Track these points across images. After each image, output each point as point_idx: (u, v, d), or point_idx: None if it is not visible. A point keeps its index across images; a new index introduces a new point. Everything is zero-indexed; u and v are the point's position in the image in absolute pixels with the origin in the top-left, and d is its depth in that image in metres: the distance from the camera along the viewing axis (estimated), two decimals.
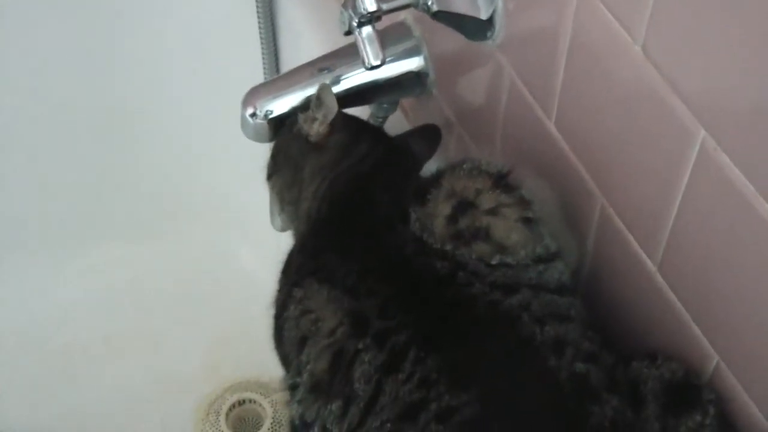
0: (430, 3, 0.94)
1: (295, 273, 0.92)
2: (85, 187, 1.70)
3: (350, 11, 0.91)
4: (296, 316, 0.87)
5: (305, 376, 0.85)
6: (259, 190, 1.38)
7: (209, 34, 1.55)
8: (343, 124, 1.00)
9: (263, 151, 1.31)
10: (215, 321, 1.68)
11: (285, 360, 0.91)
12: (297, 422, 0.87)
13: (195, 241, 1.74)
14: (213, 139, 1.65)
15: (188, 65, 1.60)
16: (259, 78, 1.43)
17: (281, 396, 1.57)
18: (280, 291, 0.94)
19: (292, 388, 0.87)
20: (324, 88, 0.98)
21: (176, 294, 1.71)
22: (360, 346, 0.82)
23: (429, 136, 1.07)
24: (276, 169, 1.06)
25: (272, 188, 1.07)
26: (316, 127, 0.99)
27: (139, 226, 1.73)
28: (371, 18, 0.92)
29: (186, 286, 1.72)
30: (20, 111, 1.60)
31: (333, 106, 0.98)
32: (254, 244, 1.68)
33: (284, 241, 1.28)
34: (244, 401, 1.59)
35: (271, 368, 1.57)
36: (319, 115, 0.99)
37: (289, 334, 0.88)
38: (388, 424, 0.80)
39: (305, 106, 1.03)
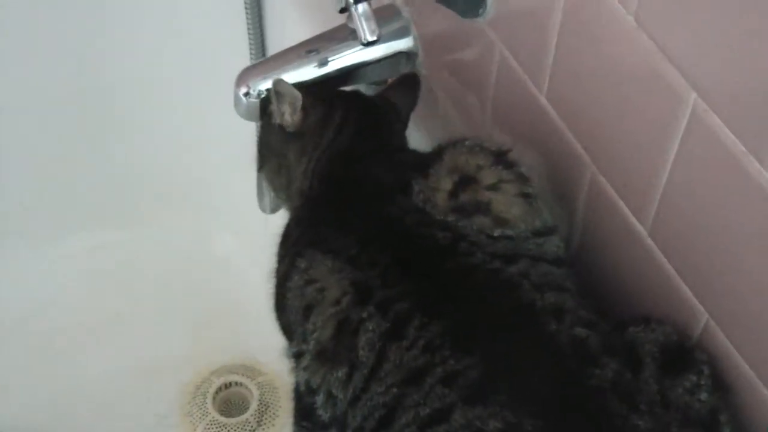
0: None
1: (294, 244, 0.94)
2: (68, 173, 1.70)
3: None
4: (300, 285, 0.89)
5: (311, 343, 0.86)
6: (242, 176, 1.39)
7: (195, 19, 1.56)
8: (314, 103, 1.01)
9: (245, 138, 1.33)
10: (199, 306, 1.69)
11: (287, 329, 0.93)
12: (303, 388, 0.89)
13: (178, 227, 1.74)
14: (196, 126, 1.66)
15: (172, 50, 1.61)
16: (244, 63, 1.44)
17: (271, 378, 1.61)
18: (280, 262, 0.96)
19: (298, 355, 0.89)
20: (278, 82, 0.99)
21: (160, 279, 1.72)
22: (364, 314, 0.84)
23: (408, 84, 1.08)
24: (264, 161, 1.08)
25: (264, 178, 1.09)
26: (288, 118, 1.01)
27: (123, 212, 1.74)
28: None
29: (170, 272, 1.72)
30: (2, 98, 1.60)
31: (296, 95, 0.99)
32: (237, 230, 1.70)
33: (267, 227, 1.30)
34: (230, 384, 1.60)
35: (257, 352, 1.61)
36: (286, 107, 1.00)
37: (293, 303, 0.90)
38: (394, 389, 0.82)
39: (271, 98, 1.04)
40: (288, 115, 1.00)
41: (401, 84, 1.08)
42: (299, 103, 0.99)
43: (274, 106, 1.01)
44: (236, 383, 1.61)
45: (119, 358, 1.62)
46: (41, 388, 1.59)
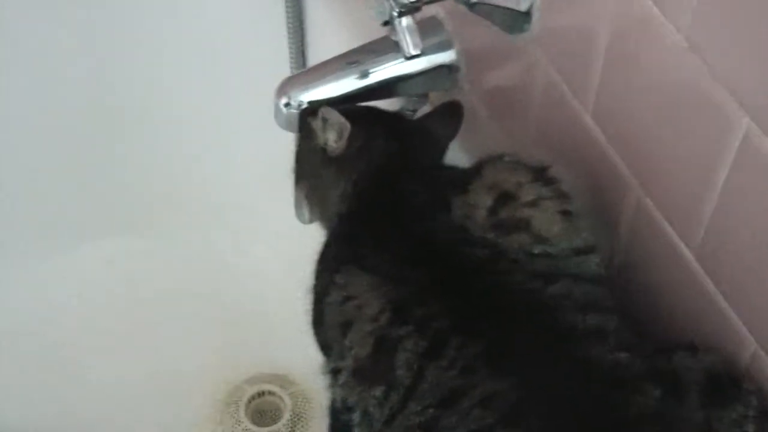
0: None
1: (335, 260, 0.94)
2: (81, 184, 1.69)
3: (391, 1, 0.92)
4: (339, 301, 0.88)
5: (349, 360, 0.86)
6: (274, 185, 1.39)
7: (231, 28, 1.54)
8: (358, 131, 1.00)
9: (278, 146, 1.33)
10: (232, 315, 1.68)
11: (324, 345, 0.92)
12: (339, 406, 0.88)
13: (211, 236, 1.73)
14: (214, 136, 1.65)
15: (198, 61, 1.60)
16: (283, 71, 1.43)
17: (303, 388, 1.60)
18: (318, 278, 0.95)
19: (335, 372, 0.88)
20: (326, 110, 0.99)
21: (188, 287, 1.70)
22: (402, 332, 0.83)
23: (451, 113, 1.07)
24: (301, 176, 1.07)
25: (301, 191, 1.09)
26: (332, 144, 1.00)
27: (137, 221, 1.72)
28: (411, 8, 0.93)
29: (202, 280, 1.71)
30: (13, 109, 1.59)
31: (343, 123, 0.99)
32: (269, 238, 1.69)
33: (295, 235, 1.29)
34: (263, 393, 1.60)
35: (290, 362, 1.60)
36: (331, 134, 1.00)
37: (331, 319, 0.89)
38: (430, 410, 0.81)
39: (315, 111, 1.04)
40: (332, 141, 0.99)
41: (444, 111, 1.07)
42: (346, 133, 0.98)
43: (318, 131, 1.00)
44: (269, 392, 1.60)
45: (150, 366, 1.62)
46: (60, 397, 1.58)
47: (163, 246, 1.73)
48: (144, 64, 1.61)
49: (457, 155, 1.11)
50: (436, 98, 1.23)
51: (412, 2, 0.92)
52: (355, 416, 0.86)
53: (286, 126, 1.11)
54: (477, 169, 0.92)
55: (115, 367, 1.62)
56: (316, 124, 1.01)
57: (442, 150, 1.06)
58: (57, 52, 1.56)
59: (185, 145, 1.68)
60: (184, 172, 1.70)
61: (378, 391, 0.84)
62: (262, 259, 1.72)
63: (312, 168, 1.05)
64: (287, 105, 1.09)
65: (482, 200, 0.89)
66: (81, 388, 1.59)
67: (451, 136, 1.06)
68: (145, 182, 1.71)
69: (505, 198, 0.89)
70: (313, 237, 1.04)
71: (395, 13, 0.93)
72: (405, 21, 0.93)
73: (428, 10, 1.11)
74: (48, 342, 1.64)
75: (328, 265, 0.94)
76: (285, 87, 1.10)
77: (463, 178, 0.92)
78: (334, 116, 0.98)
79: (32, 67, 1.56)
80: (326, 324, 0.90)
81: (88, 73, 1.59)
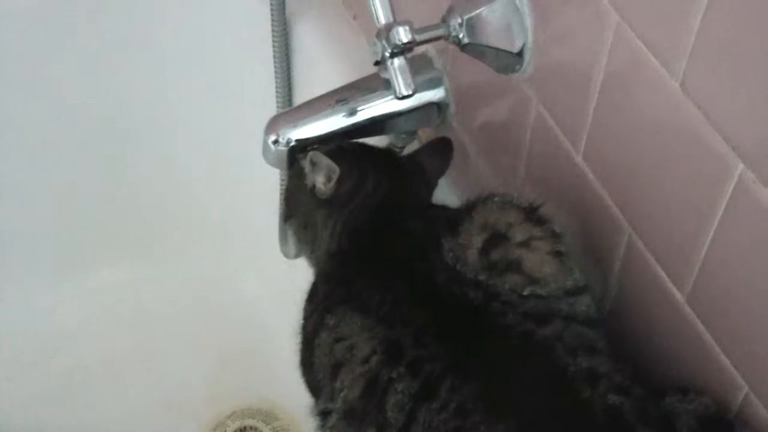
0: (461, 36, 0.95)
1: (324, 300, 0.93)
2: (87, 209, 1.68)
3: (384, 42, 0.93)
4: (329, 342, 0.87)
5: (339, 402, 0.85)
6: (262, 214, 1.39)
7: (222, 60, 1.55)
8: (347, 172, 0.99)
9: (267, 176, 1.33)
10: (217, 346, 1.67)
11: (313, 386, 0.92)
12: None
13: (197, 265, 1.72)
14: (217, 163, 1.65)
15: (196, 87, 1.60)
16: (269, 102, 1.43)
17: (287, 423, 1.58)
18: (307, 318, 0.94)
19: (324, 414, 0.87)
20: (315, 154, 0.99)
21: (178, 317, 1.69)
22: (394, 374, 0.82)
23: (440, 150, 1.07)
24: (290, 213, 1.07)
25: (290, 228, 1.09)
26: (321, 187, 1.00)
27: (142, 248, 1.72)
28: (404, 49, 0.93)
29: (188, 310, 1.70)
30: (18, 136, 1.59)
31: (333, 167, 0.98)
32: (257, 269, 1.68)
33: (286, 267, 1.29)
34: (245, 428, 1.58)
35: (275, 396, 1.59)
36: (321, 177, 0.99)
37: (320, 360, 0.88)
38: None
39: (309, 146, 1.04)
40: (321, 184, 0.99)
41: (433, 148, 1.07)
42: (336, 176, 0.98)
43: (308, 173, 1.00)
44: (251, 428, 1.58)
45: (136, 397, 1.60)
46: (56, 423, 1.57)
47: (155, 277, 1.72)
48: (147, 96, 1.61)
49: (446, 193, 1.11)
50: (425, 135, 1.23)
51: (404, 43, 0.92)
52: None
53: (275, 163, 1.11)
54: (467, 209, 0.92)
55: (104, 398, 1.60)
56: (306, 165, 1.00)
57: (432, 187, 1.05)
58: (60, 83, 1.57)
59: (189, 175, 1.68)
60: (182, 204, 1.70)
61: None
62: (254, 293, 1.71)
63: (301, 207, 1.04)
64: (275, 142, 1.09)
65: (473, 241, 0.89)
66: (70, 420, 1.58)
67: (440, 173, 1.06)
68: (145, 212, 1.71)
69: (496, 239, 0.88)
70: (306, 271, 1.04)
71: (387, 54, 0.93)
72: (397, 62, 0.93)
73: (418, 48, 1.11)
74: (41, 367, 1.64)
75: (318, 306, 0.93)
76: (273, 124, 1.09)
77: (453, 219, 0.92)
78: (323, 160, 0.98)
79: (37, 93, 1.57)
80: (316, 365, 0.89)
81: (95, 100, 1.60)
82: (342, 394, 0.85)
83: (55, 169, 1.64)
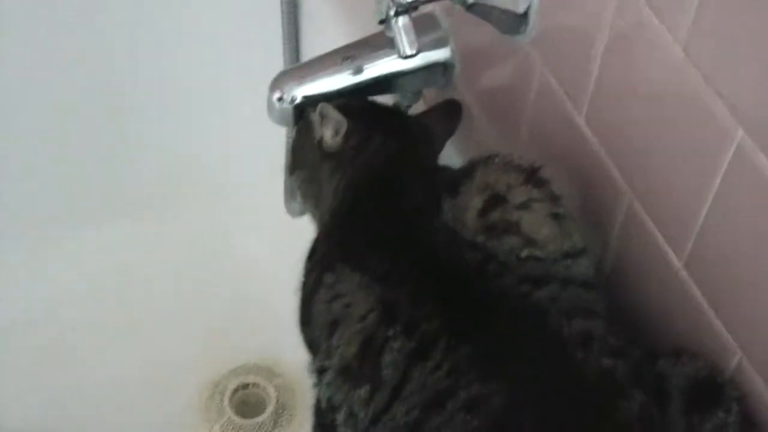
0: None
1: (324, 258, 0.93)
2: (79, 170, 1.68)
3: (388, 0, 0.92)
4: (327, 300, 0.88)
5: (335, 359, 0.86)
6: (260, 174, 1.38)
7: (227, 18, 1.55)
8: (355, 127, 1.00)
9: (275, 137, 1.33)
10: (217, 304, 1.68)
11: (312, 344, 0.92)
12: (324, 405, 0.88)
13: (196, 223, 1.72)
14: (215, 123, 1.65)
15: (199, 43, 1.59)
16: (276, 59, 1.43)
17: (288, 380, 1.60)
18: (307, 276, 0.95)
19: (321, 371, 0.88)
20: (324, 106, 0.99)
21: (176, 276, 1.70)
22: (390, 333, 0.83)
23: (450, 112, 1.07)
24: (295, 167, 1.07)
25: (294, 182, 1.09)
26: (329, 140, 1.00)
27: (141, 206, 1.71)
28: (408, 8, 0.92)
29: (186, 268, 1.71)
30: (11, 99, 1.58)
31: (341, 120, 0.99)
32: (257, 226, 1.68)
33: (286, 226, 1.29)
34: (247, 385, 1.60)
35: (275, 353, 1.60)
36: (329, 130, 0.99)
37: (318, 318, 0.89)
38: (415, 411, 0.81)
39: (317, 102, 1.04)
40: (329, 137, 0.99)
41: (443, 109, 1.07)
42: (344, 129, 0.98)
43: (316, 126, 1.00)
44: (253, 384, 1.60)
45: (134, 357, 1.61)
46: (54, 388, 1.57)
47: (154, 234, 1.72)
48: (143, 55, 1.60)
49: (450, 154, 1.11)
50: (430, 95, 1.22)
51: (409, 2, 0.91)
52: (340, 416, 0.86)
53: (280, 120, 1.11)
54: (468, 171, 0.92)
55: (104, 357, 1.61)
56: (314, 117, 1.00)
57: (439, 148, 1.05)
58: (56, 42, 1.56)
59: (182, 134, 1.68)
60: (180, 162, 1.70)
61: (363, 391, 0.84)
62: (253, 250, 1.72)
63: (307, 160, 1.04)
64: (280, 99, 1.08)
65: (473, 202, 0.89)
66: (70, 379, 1.58)
67: (448, 135, 1.06)
68: (142, 170, 1.71)
69: (495, 200, 0.88)
70: (305, 229, 1.04)
71: (392, 12, 0.92)
72: (402, 20, 0.93)
73: (424, 7, 1.11)
74: (39, 332, 1.63)
75: (318, 264, 0.94)
76: (279, 82, 1.09)
77: (454, 180, 0.92)
78: (332, 113, 0.98)
79: (31, 56, 1.56)
80: (314, 323, 0.90)
81: (87, 62, 1.59)
82: (338, 351, 0.85)
83: (43, 130, 1.63)
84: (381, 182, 0.98)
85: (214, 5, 1.55)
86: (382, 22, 0.95)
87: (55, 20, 1.54)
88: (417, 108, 1.19)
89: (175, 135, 1.68)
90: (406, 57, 0.94)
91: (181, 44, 1.59)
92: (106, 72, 1.61)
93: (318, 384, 0.89)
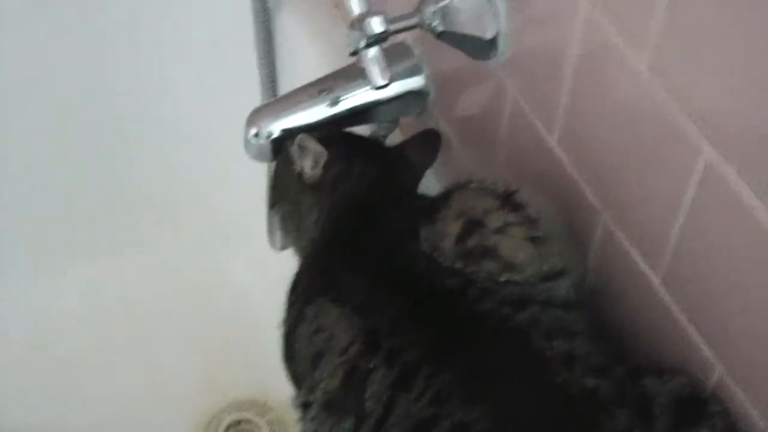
0: (435, 24, 0.95)
1: (305, 291, 0.93)
2: (80, 201, 1.69)
3: (358, 32, 0.93)
4: (309, 334, 0.88)
5: (319, 393, 0.86)
6: (254, 205, 1.39)
7: (205, 52, 1.56)
8: (336, 158, 1.00)
9: (257, 167, 1.33)
10: (210, 338, 1.67)
11: (296, 378, 0.92)
12: None
13: (189, 257, 1.73)
14: (208, 155, 1.66)
15: (181, 80, 1.60)
16: (255, 94, 1.44)
17: (281, 414, 1.59)
18: (289, 309, 0.95)
19: (305, 405, 0.88)
20: (303, 138, 0.99)
21: (170, 310, 1.70)
22: (372, 364, 0.83)
23: (428, 142, 1.08)
24: (276, 201, 1.08)
25: (275, 215, 1.09)
26: (308, 171, 1.00)
27: (133, 240, 1.72)
28: (378, 39, 0.93)
29: (180, 302, 1.71)
30: (10, 127, 1.59)
31: (320, 151, 0.99)
32: (249, 260, 1.69)
33: (278, 258, 1.30)
34: (240, 421, 1.59)
35: (268, 387, 1.60)
36: (308, 161, 1.00)
37: (301, 352, 0.89)
38: None
39: (295, 134, 1.04)
40: (309, 168, 1.00)
41: (421, 139, 1.07)
42: (323, 160, 0.99)
43: (295, 158, 1.00)
44: (246, 421, 1.59)
45: (128, 390, 1.61)
46: (49, 419, 1.57)
47: (146, 269, 1.73)
48: (132, 89, 1.62)
49: (427, 178, 1.11)
50: (407, 122, 1.23)
51: (378, 33, 0.92)
52: None
53: (257, 156, 1.11)
54: (444, 198, 0.92)
55: (95, 394, 1.61)
56: (294, 150, 1.01)
57: (418, 178, 1.06)
58: (46, 76, 1.58)
59: (179, 166, 1.69)
60: (172, 195, 1.71)
61: (348, 424, 0.83)
62: (245, 284, 1.72)
63: (288, 193, 1.05)
64: (257, 135, 1.09)
65: (450, 229, 0.89)
66: (59, 418, 1.58)
67: (427, 165, 1.07)
68: (134, 203, 1.72)
69: (472, 226, 0.89)
70: (295, 262, 1.04)
71: (362, 44, 0.93)
72: (372, 51, 0.93)
73: (397, 37, 1.12)
74: (31, 368, 1.64)
75: (300, 297, 0.94)
76: (254, 117, 1.10)
77: (431, 207, 0.92)
78: (311, 144, 0.99)
79: (28, 86, 1.58)
80: (297, 356, 0.90)
81: (78, 97, 1.60)
82: (322, 385, 0.85)
83: (48, 163, 1.65)
84: (360, 212, 0.98)
85: (193, 45, 1.57)
86: (353, 54, 0.96)
87: (47, 54, 1.56)
88: (394, 136, 1.20)
89: (168, 170, 1.70)
90: (378, 87, 0.94)
91: (166, 82, 1.61)
92: (96, 109, 1.62)
93: (303, 419, 0.89)
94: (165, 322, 1.69)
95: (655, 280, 0.85)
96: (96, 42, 1.57)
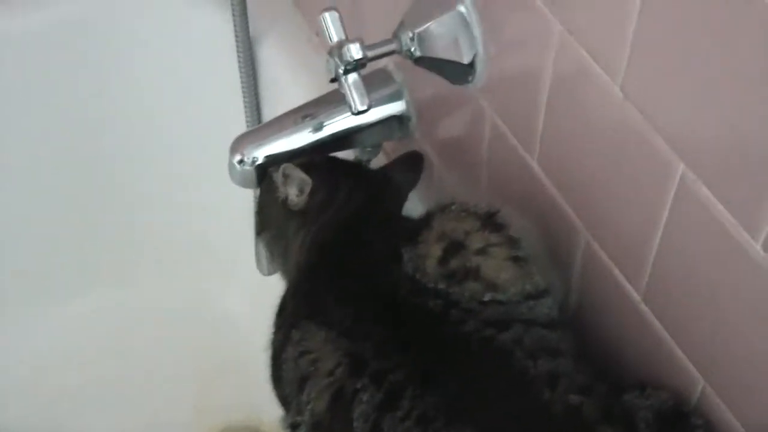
0: (413, 49, 0.97)
1: (291, 315, 0.94)
2: (69, 236, 1.69)
3: (336, 59, 0.94)
4: (295, 357, 0.89)
5: (307, 415, 0.86)
6: (242, 234, 1.40)
7: (192, 85, 1.57)
8: (320, 184, 1.01)
9: (246, 197, 1.34)
10: (202, 365, 1.68)
11: (284, 400, 0.93)
12: None
13: (178, 286, 1.73)
14: (197, 186, 1.67)
15: (166, 111, 1.61)
16: (241, 126, 1.45)
17: None
18: (276, 333, 0.96)
19: (293, 427, 0.89)
20: (287, 167, 1.00)
21: (160, 339, 1.70)
22: (358, 385, 0.84)
23: (411, 163, 1.09)
24: (262, 227, 1.09)
25: (262, 241, 1.10)
26: (294, 199, 1.01)
27: (122, 271, 1.73)
28: (357, 65, 0.94)
29: (170, 331, 1.70)
30: (7, 157, 1.60)
31: (305, 180, 1.00)
32: (238, 285, 1.69)
33: (267, 284, 1.30)
34: None
35: (260, 411, 1.60)
36: (293, 189, 1.01)
37: (287, 374, 0.90)
38: None
39: (280, 160, 1.06)
40: (294, 196, 1.01)
41: (405, 161, 1.09)
42: (308, 188, 1.00)
43: (279, 186, 1.01)
44: None
45: (124, 419, 1.60)
46: None
47: (137, 301, 1.73)
48: (117, 121, 1.63)
49: (414, 203, 1.13)
50: (390, 147, 1.25)
51: (357, 59, 0.94)
52: None
53: (241, 182, 1.13)
54: (426, 220, 0.93)
55: (92, 424, 1.61)
56: (278, 178, 1.02)
57: (402, 200, 1.07)
58: (41, 111, 1.59)
59: (166, 197, 1.70)
60: (166, 226, 1.72)
61: None
62: (235, 310, 1.72)
63: (273, 219, 1.06)
64: (241, 162, 1.10)
65: (432, 251, 0.90)
66: None
67: (410, 187, 1.08)
68: (123, 239, 1.73)
69: (454, 247, 0.90)
70: (282, 288, 1.05)
71: (341, 71, 0.94)
72: (351, 78, 0.95)
73: (377, 62, 1.13)
74: (28, 400, 1.63)
75: (286, 321, 0.95)
76: (238, 144, 1.11)
77: (413, 229, 0.93)
78: (296, 173, 1.00)
79: (19, 123, 1.59)
80: (284, 379, 0.91)
81: (73, 134, 1.62)
82: (309, 407, 0.86)
83: (35, 198, 1.65)
84: (345, 236, 0.99)
85: (177, 75, 1.58)
86: (333, 80, 0.97)
87: (46, 98, 1.57)
88: (377, 161, 1.21)
89: (155, 201, 1.70)
90: (358, 113, 0.96)
91: (151, 113, 1.62)
92: (83, 141, 1.63)
93: None
94: (155, 352, 1.69)
95: (637, 297, 0.86)
96: (83, 76, 1.58)
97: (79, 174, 1.66)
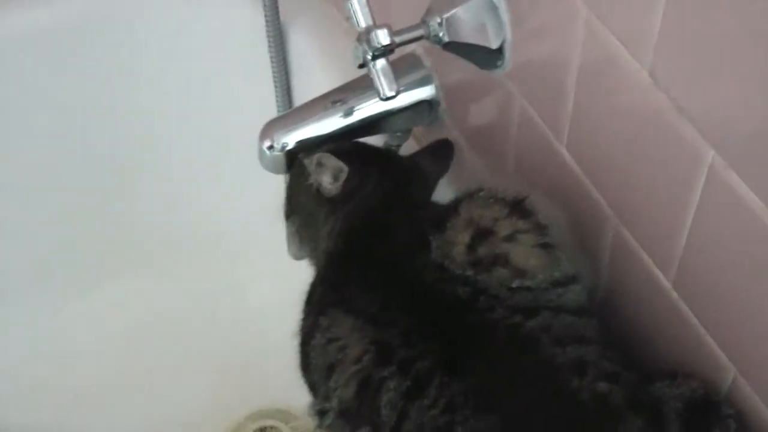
0: (441, 34, 0.96)
1: (319, 302, 0.95)
2: (87, 228, 1.69)
3: (365, 45, 0.94)
4: (323, 344, 0.89)
5: (334, 402, 0.87)
6: (265, 224, 1.39)
7: (219, 69, 1.57)
8: (353, 172, 1.01)
9: (270, 187, 1.34)
10: (230, 352, 1.67)
11: (312, 386, 0.94)
12: None
13: (203, 275, 1.73)
14: (218, 173, 1.67)
15: (195, 98, 1.61)
16: (270, 109, 1.45)
17: (305, 422, 1.60)
18: (304, 320, 0.96)
19: (321, 413, 0.89)
20: (322, 156, 1.00)
21: (187, 328, 1.70)
22: (385, 373, 0.84)
23: (441, 152, 1.09)
24: (292, 211, 1.09)
25: (291, 227, 1.10)
26: (327, 186, 1.01)
27: (146, 263, 1.73)
28: (385, 51, 0.94)
29: (197, 319, 1.70)
30: (15, 156, 1.60)
31: (341, 167, 1.00)
32: (263, 274, 1.68)
33: (294, 272, 1.31)
34: (265, 428, 1.60)
35: (290, 396, 1.60)
36: (327, 178, 1.01)
37: (316, 361, 0.90)
38: None
39: (309, 145, 1.05)
40: (327, 183, 1.01)
41: (435, 149, 1.09)
42: (344, 175, 1.00)
43: (312, 172, 1.01)
44: (271, 427, 1.61)
45: (150, 410, 1.61)
46: None
47: (164, 288, 1.73)
48: (145, 109, 1.62)
49: (443, 188, 1.12)
50: (419, 132, 1.24)
51: (385, 45, 0.93)
52: None
53: (271, 168, 1.13)
54: (454, 207, 0.93)
55: (120, 413, 1.61)
56: (310, 165, 1.01)
57: (432, 187, 1.07)
58: (59, 96, 1.58)
59: (189, 187, 1.70)
60: (180, 214, 1.71)
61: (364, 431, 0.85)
62: (263, 296, 1.72)
63: (303, 205, 1.06)
64: (271, 147, 1.11)
65: (460, 238, 0.90)
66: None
67: (440, 174, 1.08)
68: (143, 226, 1.72)
69: (482, 234, 0.89)
70: (310, 274, 1.05)
71: (369, 57, 0.94)
72: (379, 63, 0.94)
73: (407, 47, 1.13)
74: (51, 391, 1.64)
75: (314, 308, 0.95)
76: (268, 130, 1.11)
77: (441, 216, 0.93)
78: (331, 160, 1.00)
79: (21, 123, 1.58)
80: (312, 366, 0.91)
81: (93, 113, 1.61)
82: (337, 394, 0.87)
83: (55, 188, 1.65)
84: (373, 223, 0.99)
85: (207, 64, 1.58)
86: (361, 66, 0.97)
87: (56, 74, 1.56)
88: (407, 146, 1.21)
89: (179, 190, 1.70)
90: (387, 98, 0.95)
91: (179, 102, 1.61)
92: (108, 132, 1.63)
93: (320, 426, 0.90)
94: (182, 341, 1.68)
95: (667, 284, 0.85)
96: (90, 74, 1.57)
97: (83, 173, 1.65)
